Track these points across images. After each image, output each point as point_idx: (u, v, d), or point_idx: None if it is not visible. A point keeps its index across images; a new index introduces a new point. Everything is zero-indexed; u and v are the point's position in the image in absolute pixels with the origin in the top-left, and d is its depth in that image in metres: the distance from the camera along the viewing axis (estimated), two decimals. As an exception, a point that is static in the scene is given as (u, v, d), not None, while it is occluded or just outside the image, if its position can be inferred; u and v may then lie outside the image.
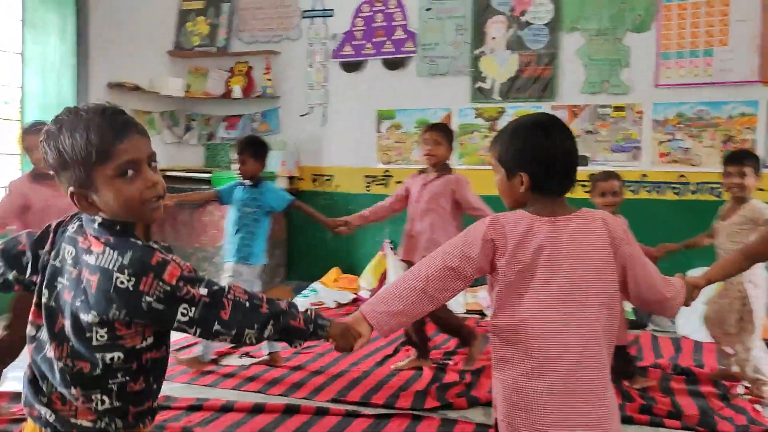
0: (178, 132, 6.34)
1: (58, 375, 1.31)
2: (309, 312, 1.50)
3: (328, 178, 6.05)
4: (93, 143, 1.28)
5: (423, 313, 1.63)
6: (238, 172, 3.70)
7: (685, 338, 4.56)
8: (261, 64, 6.16)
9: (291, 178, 6.07)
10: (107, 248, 1.28)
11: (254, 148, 3.74)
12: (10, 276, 1.41)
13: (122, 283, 1.25)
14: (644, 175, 5.03)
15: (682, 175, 4.96)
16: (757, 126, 4.77)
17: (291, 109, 6.13)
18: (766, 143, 4.76)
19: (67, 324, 1.31)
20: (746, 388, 3.45)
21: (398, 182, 5.78)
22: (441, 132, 3.71)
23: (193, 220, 5.50)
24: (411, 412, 3.03)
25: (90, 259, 1.29)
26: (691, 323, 4.62)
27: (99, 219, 1.33)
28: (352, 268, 5.82)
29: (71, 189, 1.31)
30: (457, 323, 3.80)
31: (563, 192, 1.61)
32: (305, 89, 6.06)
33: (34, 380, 1.36)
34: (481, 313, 5.16)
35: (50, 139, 1.30)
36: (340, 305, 5.35)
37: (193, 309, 1.29)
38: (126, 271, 1.25)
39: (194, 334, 1.31)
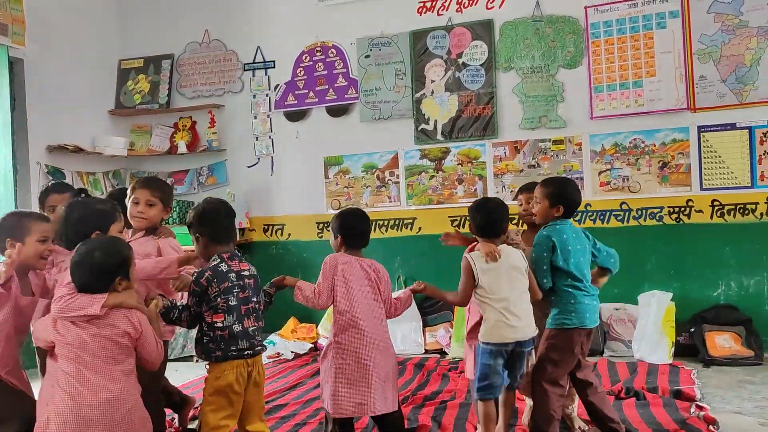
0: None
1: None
2: None
3: (280, 227, 6.02)
4: None
5: None
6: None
7: (641, 361, 4.63)
8: (205, 118, 6.16)
9: (241, 230, 6.02)
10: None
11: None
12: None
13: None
14: (588, 205, 5.16)
15: (624, 203, 5.11)
16: (690, 150, 4.97)
17: (238, 161, 6.13)
18: (699, 167, 4.95)
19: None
20: (698, 406, 3.51)
21: (349, 227, 5.79)
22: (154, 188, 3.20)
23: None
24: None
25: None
26: (645, 347, 4.71)
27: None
28: (309, 317, 5.76)
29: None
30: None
31: None
32: (251, 140, 6.07)
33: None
34: (441, 352, 5.15)
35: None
36: (297, 355, 5.28)
37: None
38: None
39: None
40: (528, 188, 3.44)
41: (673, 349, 4.65)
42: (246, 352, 2.62)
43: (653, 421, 3.38)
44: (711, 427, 3.20)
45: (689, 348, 4.73)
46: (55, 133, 5.51)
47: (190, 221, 2.80)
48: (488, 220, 2.97)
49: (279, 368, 4.94)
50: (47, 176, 5.36)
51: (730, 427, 3.25)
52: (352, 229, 3.10)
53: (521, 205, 3.47)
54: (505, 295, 2.86)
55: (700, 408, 3.48)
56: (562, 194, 3.06)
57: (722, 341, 4.63)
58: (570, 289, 2.96)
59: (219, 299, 2.60)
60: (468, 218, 3.08)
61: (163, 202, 3.18)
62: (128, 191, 3.17)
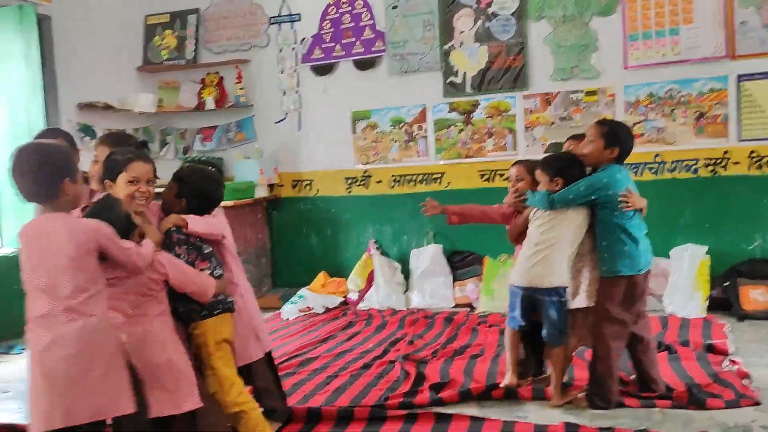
0: (153, 148, 6.28)
1: None
2: None
3: (308, 183, 6.03)
4: None
5: None
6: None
7: (672, 316, 4.59)
8: (232, 73, 6.13)
9: (270, 186, 6.04)
10: None
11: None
12: None
13: None
14: (621, 157, 5.04)
15: (658, 155, 5.00)
16: (728, 100, 4.81)
17: (265, 117, 6.11)
18: (737, 117, 4.80)
19: None
20: (731, 361, 3.48)
21: (378, 182, 5.79)
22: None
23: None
24: (404, 411, 3.02)
25: None
26: (677, 301, 4.67)
27: None
28: (339, 271, 5.81)
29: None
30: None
31: None
32: (278, 95, 6.03)
33: None
34: (470, 306, 5.17)
35: None
36: (328, 309, 5.34)
37: None
38: None
39: None
40: (575, 137, 3.33)
41: (706, 303, 4.60)
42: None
43: (685, 375, 3.36)
44: (744, 381, 3.18)
45: (723, 302, 4.67)
46: (85, 90, 5.54)
47: (187, 181, 2.64)
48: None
49: (310, 321, 5.00)
50: (78, 134, 5.41)
51: (764, 381, 3.22)
52: (208, 197, 2.69)
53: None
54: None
55: (733, 362, 3.46)
56: (621, 136, 2.97)
57: (757, 295, 4.56)
58: (623, 236, 2.92)
59: (203, 244, 2.58)
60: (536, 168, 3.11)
61: None
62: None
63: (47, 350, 2.05)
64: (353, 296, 5.52)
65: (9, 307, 4.88)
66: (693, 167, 4.92)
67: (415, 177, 5.67)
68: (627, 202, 2.93)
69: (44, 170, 2.13)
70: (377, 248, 5.71)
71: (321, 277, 5.77)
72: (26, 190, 2.15)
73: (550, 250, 2.98)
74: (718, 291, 4.73)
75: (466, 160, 5.50)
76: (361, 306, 5.39)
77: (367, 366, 3.78)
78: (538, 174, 3.08)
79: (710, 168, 4.87)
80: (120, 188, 2.40)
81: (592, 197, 2.92)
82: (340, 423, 2.94)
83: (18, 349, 4.61)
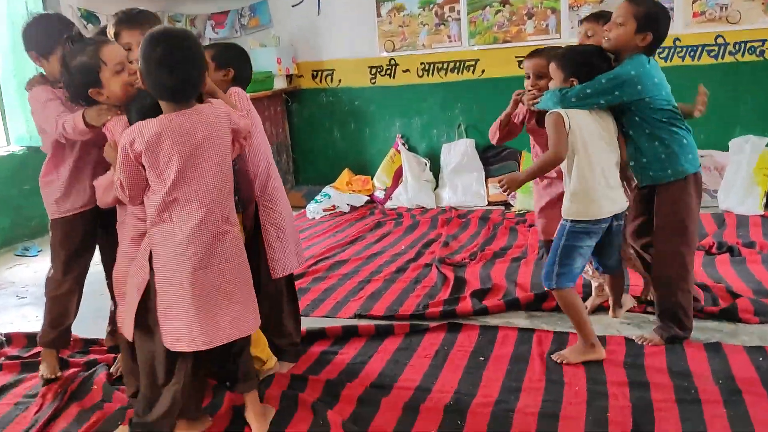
0: (162, 36, 5.83)
1: None
2: None
3: (329, 73, 5.58)
4: None
5: None
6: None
7: (728, 212, 4.26)
8: (243, -50, 5.56)
9: (289, 77, 5.62)
10: None
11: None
12: None
13: None
14: (677, 39, 4.54)
15: (720, 36, 4.48)
16: (805, -29, 4.24)
17: (281, 0, 5.58)
18: (815, -10, 4.25)
19: None
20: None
21: (405, 71, 5.34)
22: None
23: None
24: (446, 322, 2.78)
25: None
26: (733, 196, 4.31)
27: None
28: (364, 168, 5.49)
29: None
30: None
31: None
32: (294, -25, 5.49)
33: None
34: (506, 204, 4.86)
35: None
36: (354, 208, 5.07)
37: None
38: None
39: None
40: (595, 17, 2.67)
41: (765, 199, 4.24)
42: None
43: (752, 279, 3.08)
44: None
45: (783, 198, 4.31)
46: (84, -28, 5.04)
47: (224, 53, 2.39)
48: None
49: (336, 222, 4.74)
50: (81, 21, 4.97)
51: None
52: (246, 67, 2.47)
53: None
54: (602, 160, 2.36)
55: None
56: (657, 18, 2.39)
57: (822, 191, 4.19)
58: (674, 128, 2.42)
59: None
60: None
61: None
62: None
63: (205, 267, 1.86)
64: (380, 194, 5.23)
65: (21, 208, 4.69)
66: (759, 49, 4.41)
67: (446, 65, 5.21)
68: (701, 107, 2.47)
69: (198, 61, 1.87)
70: (404, 143, 5.35)
71: (345, 174, 5.45)
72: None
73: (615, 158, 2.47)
74: (778, 186, 4.37)
75: (503, 45, 5.01)
76: (389, 205, 5.11)
77: (401, 270, 3.52)
78: (553, 69, 2.43)
79: (779, 50, 4.37)
80: (112, 83, 2.02)
81: (617, 94, 2.33)
82: (377, 337, 2.70)
83: (34, 251, 4.40)
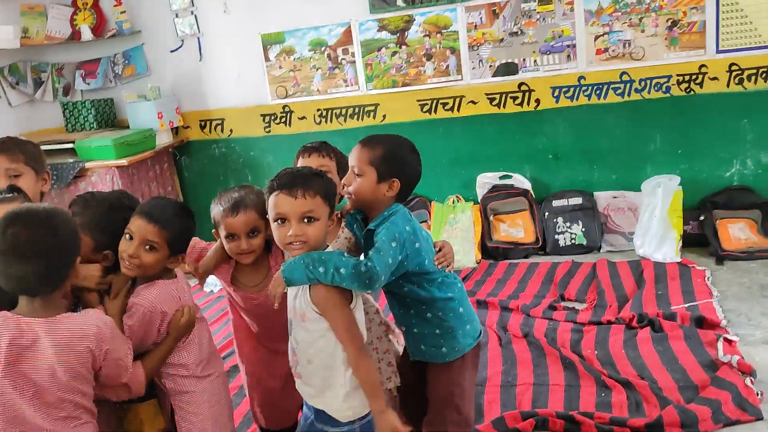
0: (26, 90, 5.19)
1: None
2: None
3: (219, 122, 5.11)
4: None
5: None
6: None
7: (644, 259, 4.10)
8: (108, -8, 4.98)
9: (175, 129, 5.10)
10: None
11: None
12: None
13: None
14: (581, 78, 4.33)
15: (624, 73, 4.28)
16: (705, 4, 4.08)
17: (158, 45, 5.04)
18: (715, 24, 4.09)
19: None
20: (726, 340, 2.99)
21: (301, 118, 4.94)
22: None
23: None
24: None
25: None
26: (649, 242, 4.16)
27: None
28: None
29: None
30: None
31: None
32: (170, 18, 4.94)
33: None
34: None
35: None
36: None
37: None
38: None
39: None
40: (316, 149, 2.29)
41: (680, 243, 4.10)
42: None
43: (676, 366, 2.88)
44: (748, 380, 2.68)
45: (698, 238, 4.19)
46: None
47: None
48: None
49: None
50: None
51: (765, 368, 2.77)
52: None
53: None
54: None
55: (728, 342, 2.98)
56: (401, 160, 1.95)
57: (737, 231, 4.08)
58: (449, 294, 1.97)
59: None
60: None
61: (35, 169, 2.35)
62: None
63: None
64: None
65: None
66: (665, 85, 4.24)
67: (344, 110, 4.83)
68: (444, 260, 1.98)
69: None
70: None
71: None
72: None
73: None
74: (693, 226, 4.25)
75: (402, 89, 4.67)
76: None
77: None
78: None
79: (684, 86, 4.21)
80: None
81: (400, 258, 1.82)
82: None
83: None
